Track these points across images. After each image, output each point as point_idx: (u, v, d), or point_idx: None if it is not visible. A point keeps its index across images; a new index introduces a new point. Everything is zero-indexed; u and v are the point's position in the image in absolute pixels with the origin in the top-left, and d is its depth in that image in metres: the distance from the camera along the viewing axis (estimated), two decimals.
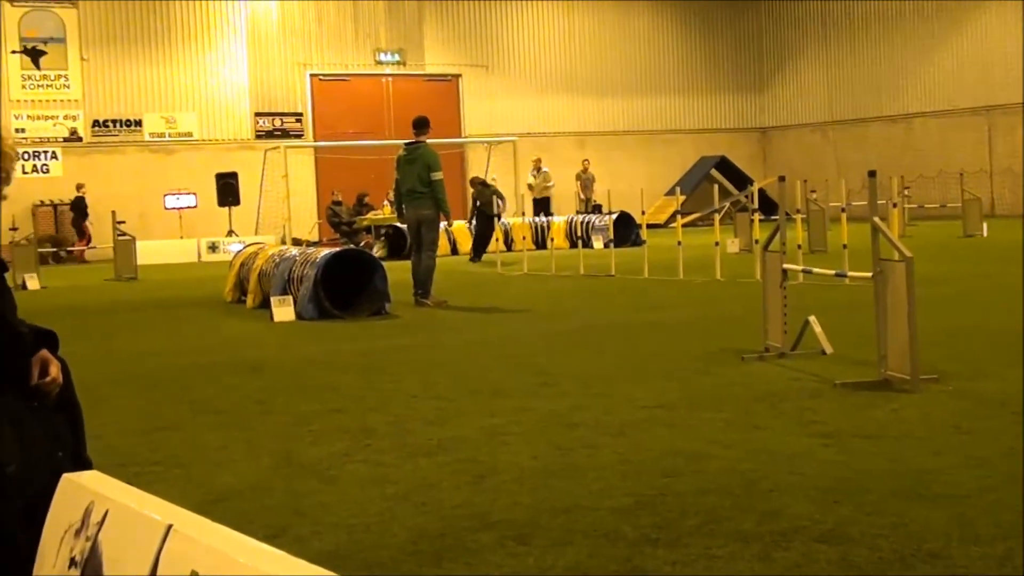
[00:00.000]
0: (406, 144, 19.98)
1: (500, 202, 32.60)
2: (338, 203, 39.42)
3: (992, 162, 46.59)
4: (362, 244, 34.39)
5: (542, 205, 39.99)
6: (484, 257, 31.37)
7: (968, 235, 32.76)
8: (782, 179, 13.70)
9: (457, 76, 49.19)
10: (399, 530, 6.49)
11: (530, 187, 41.12)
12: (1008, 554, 5.69)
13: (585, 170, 45.46)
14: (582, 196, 44.62)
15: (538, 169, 41.42)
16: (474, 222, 33.48)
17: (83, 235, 39.96)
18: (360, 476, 7.80)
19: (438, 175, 19.38)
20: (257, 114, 45.58)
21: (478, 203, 33.04)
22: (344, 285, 18.07)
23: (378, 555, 6.09)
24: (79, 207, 40.16)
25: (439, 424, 9.44)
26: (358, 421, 9.71)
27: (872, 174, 10.96)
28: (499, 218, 33.23)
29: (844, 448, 8.05)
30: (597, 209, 40.18)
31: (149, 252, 35.02)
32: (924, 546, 5.86)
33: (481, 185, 33.55)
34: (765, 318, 12.52)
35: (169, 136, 44.07)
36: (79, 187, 40.18)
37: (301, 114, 46.36)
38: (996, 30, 46.08)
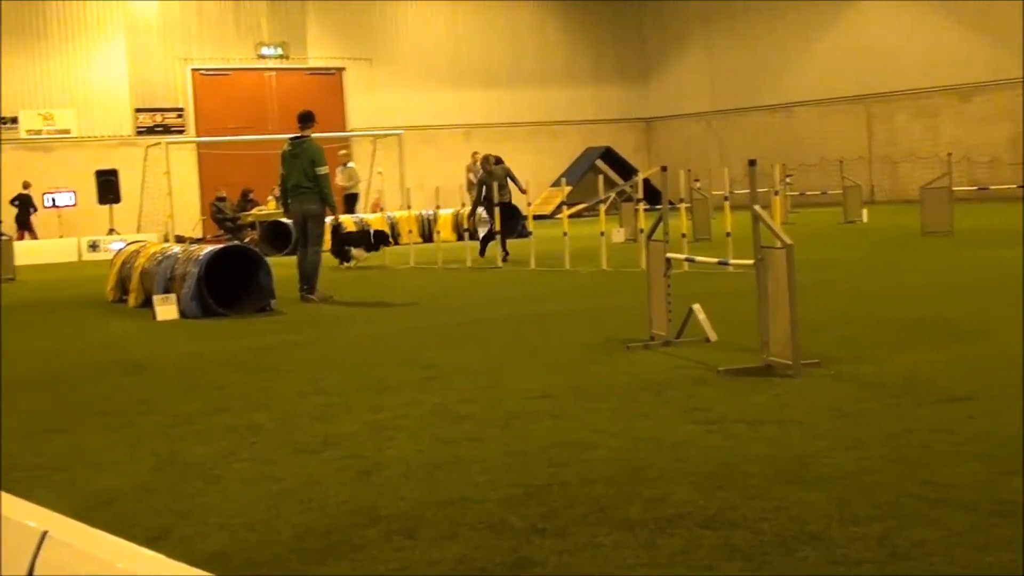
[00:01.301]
0: (291, 139, 19.85)
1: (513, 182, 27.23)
2: (222, 199, 39.15)
3: (871, 149, 47.31)
4: (247, 240, 34.17)
5: (349, 202, 39.76)
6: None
7: (849, 221, 33.21)
8: (664, 169, 13.81)
9: (341, 69, 48.97)
10: (284, 528, 6.47)
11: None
12: (886, 534, 5.79)
13: (475, 162, 45.40)
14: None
15: (344, 165, 40.55)
16: (480, 212, 28.85)
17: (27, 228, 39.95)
18: (245, 475, 7.75)
19: (323, 169, 19.30)
20: (137, 110, 45.08)
21: (485, 187, 27.08)
22: (228, 282, 17.93)
23: (263, 554, 6.06)
24: (25, 203, 40.20)
25: (325, 420, 9.40)
26: (244, 419, 9.64)
27: (752, 163, 11.07)
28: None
29: (727, 434, 8.14)
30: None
31: (27, 252, 34.55)
32: (805, 528, 5.95)
33: (497, 163, 27.38)
34: (650, 307, 12.61)
35: (46, 133, 43.41)
36: (26, 185, 40.06)
37: (183, 109, 45.92)
38: (874, 20, 46.76)
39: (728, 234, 19.65)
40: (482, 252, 26.90)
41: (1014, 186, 35.26)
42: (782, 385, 9.76)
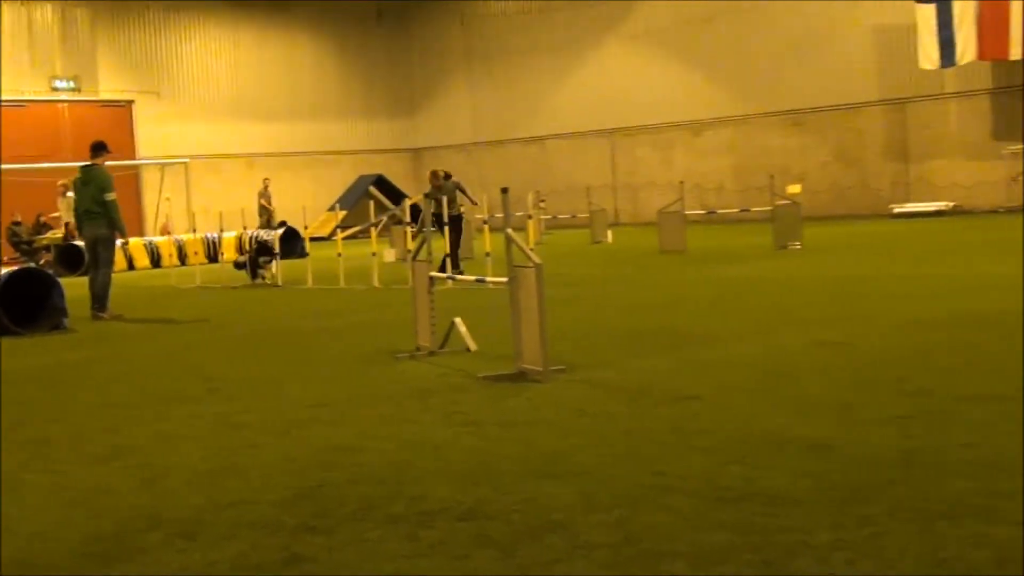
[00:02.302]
0: (81, 167, 19.41)
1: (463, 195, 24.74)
2: (18, 223, 38.03)
3: (615, 177, 48.27)
4: (42, 262, 33.22)
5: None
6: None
7: (596, 242, 33.79)
8: (427, 196, 13.86)
9: (131, 102, 47.95)
10: (74, 535, 6.29)
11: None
12: (622, 520, 5.90)
13: (266, 188, 44.92)
14: (269, 209, 43.92)
15: (63, 194, 36.99)
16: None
17: None
18: (39, 485, 7.53)
19: (111, 196, 18.91)
20: None
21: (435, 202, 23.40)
22: (24, 303, 17.42)
23: (53, 560, 5.90)
24: None
25: (115, 431, 9.20)
26: (39, 432, 9.37)
27: (504, 191, 11.17)
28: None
29: (484, 435, 8.20)
30: (282, 224, 39.61)
31: None
32: (551, 517, 6.02)
33: (445, 178, 24.39)
34: (416, 321, 12.66)
35: None
36: None
37: None
38: (616, 63, 47.73)
39: (487, 254, 19.83)
40: (443, 267, 23.00)
41: (736, 210, 36.29)
42: (533, 389, 9.87)
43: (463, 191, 24.42)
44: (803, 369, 10.25)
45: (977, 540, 5.31)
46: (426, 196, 22.60)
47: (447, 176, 24.26)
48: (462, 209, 24.50)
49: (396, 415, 9.21)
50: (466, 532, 5.89)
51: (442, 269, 22.66)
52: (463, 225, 24.66)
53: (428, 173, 24.33)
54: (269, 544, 5.91)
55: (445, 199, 23.29)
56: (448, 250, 23.02)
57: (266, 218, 42.66)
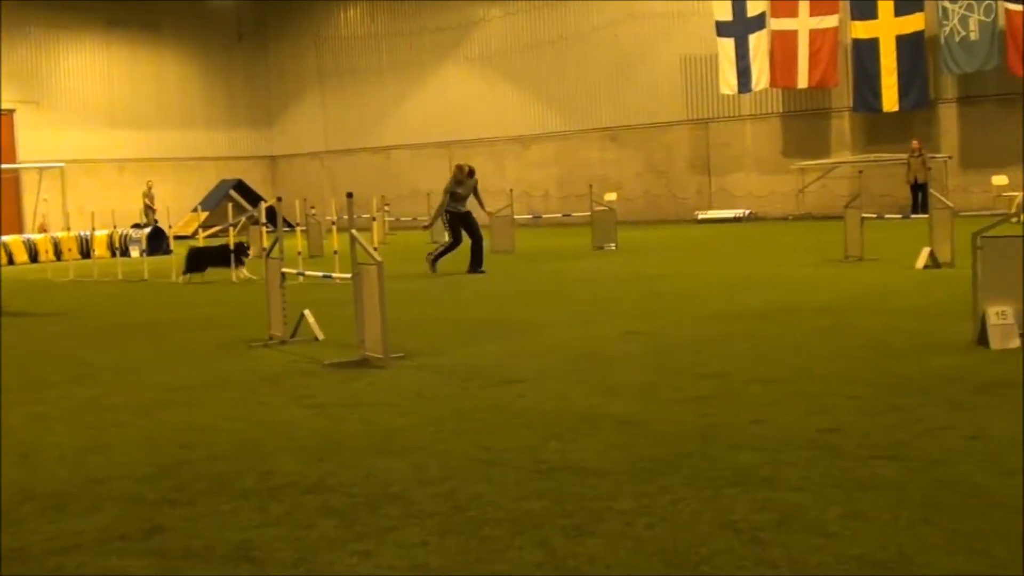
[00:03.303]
0: None
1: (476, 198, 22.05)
2: None
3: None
4: None
5: None
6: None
7: (434, 242, 33.51)
8: (279, 199, 13.70)
9: (12, 111, 46.55)
10: None
11: None
12: (452, 491, 5.90)
13: (149, 189, 43.94)
14: (153, 209, 43.02)
15: None
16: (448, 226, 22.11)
17: None
18: None
19: None
20: None
21: (452, 196, 21.53)
22: None
23: None
24: None
25: None
26: None
27: (349, 196, 11.11)
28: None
29: (329, 416, 8.14)
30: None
31: None
32: (389, 490, 6.00)
33: (469, 175, 21.71)
34: (269, 313, 12.50)
35: None
36: None
37: None
38: (454, 83, 47.83)
39: (335, 252, 19.64)
40: (433, 267, 21.42)
41: (559, 215, 36.62)
42: (375, 375, 9.82)
43: (477, 196, 21.88)
44: (615, 355, 10.38)
45: (763, 504, 5.43)
46: (446, 189, 21.37)
47: (471, 173, 21.82)
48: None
49: (249, 398, 9.09)
50: (311, 504, 5.83)
51: (433, 267, 21.30)
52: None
53: (454, 166, 22.22)
54: (133, 516, 5.78)
55: (462, 196, 21.32)
56: (473, 247, 21.08)
57: (151, 217, 41.83)
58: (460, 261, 20.90)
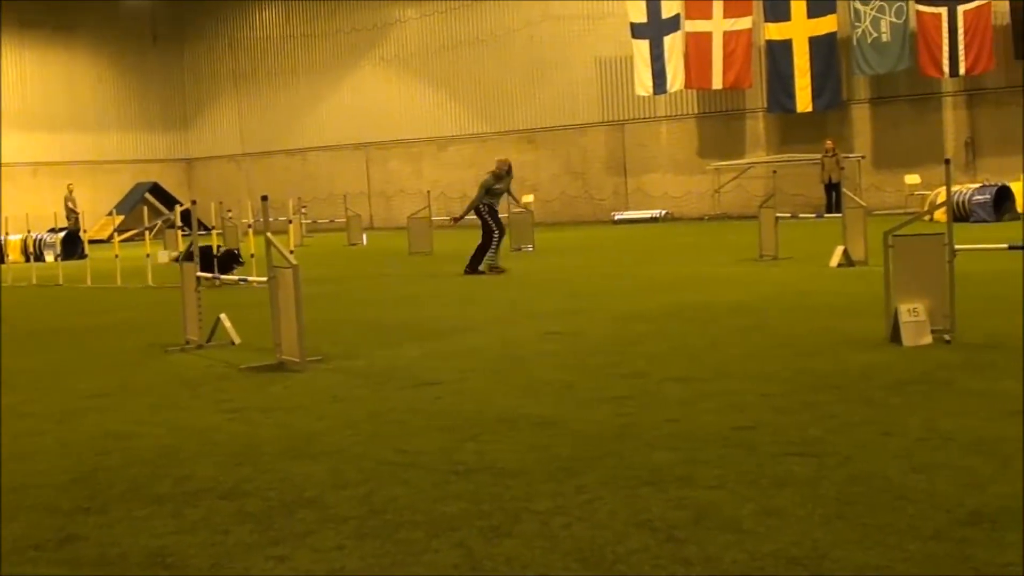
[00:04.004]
0: None
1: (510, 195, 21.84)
2: None
3: (370, 186, 48.19)
4: None
5: None
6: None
7: (352, 244, 33.63)
8: (194, 203, 13.58)
9: None
10: None
11: None
12: (368, 494, 5.87)
13: (71, 192, 43.29)
14: (76, 212, 42.39)
15: None
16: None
17: None
18: None
19: None
20: None
21: (488, 191, 20.76)
22: None
23: None
24: None
25: None
26: None
27: (264, 199, 11.02)
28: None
29: (246, 420, 8.07)
30: (63, 229, 37.97)
31: None
32: (304, 494, 5.95)
33: (507, 172, 21.13)
34: (185, 317, 12.38)
35: None
36: None
37: None
38: (371, 84, 47.71)
39: (252, 255, 19.48)
40: (474, 269, 20.50)
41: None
42: (292, 378, 9.76)
43: (511, 192, 21.70)
44: (533, 356, 10.40)
45: (678, 502, 5.47)
46: (484, 184, 20.54)
47: (509, 170, 21.22)
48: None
49: (166, 403, 8.98)
50: (227, 509, 5.78)
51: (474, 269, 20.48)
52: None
53: (496, 161, 21.44)
54: (47, 524, 5.69)
55: (497, 192, 20.75)
56: (479, 247, 20.49)
57: (74, 220, 41.18)
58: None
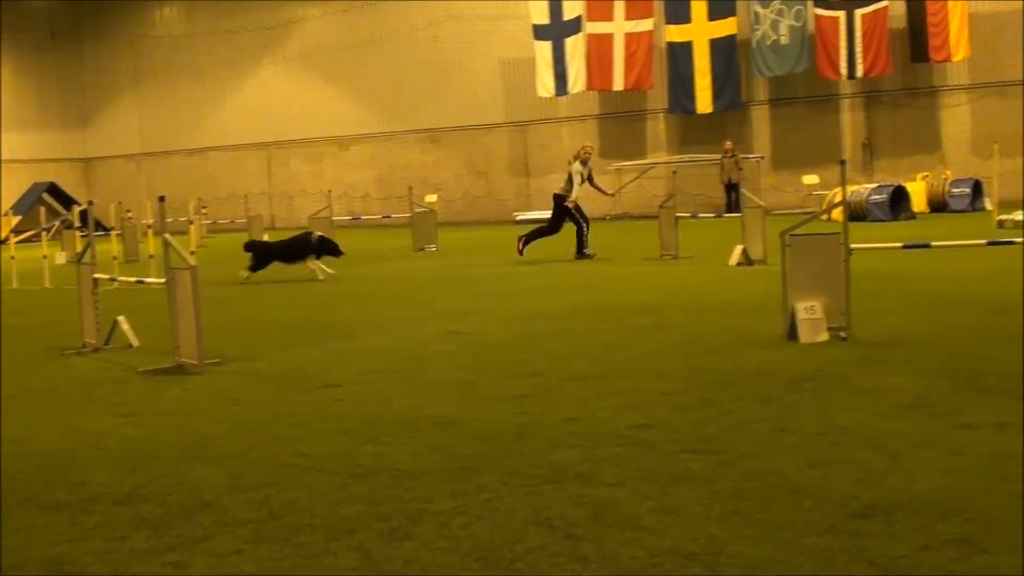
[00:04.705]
0: None
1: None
2: None
3: (271, 186, 47.81)
4: None
5: None
6: None
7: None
8: (91, 203, 13.36)
9: None
10: None
11: None
12: (267, 498, 5.80)
13: None
14: None
15: None
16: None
17: None
18: None
19: None
20: None
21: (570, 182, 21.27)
22: None
23: None
24: None
25: None
26: None
27: (161, 199, 10.88)
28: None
29: (143, 424, 7.94)
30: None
31: None
32: (202, 498, 5.87)
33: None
34: (82, 320, 12.17)
35: None
36: None
37: None
38: (273, 83, 47.36)
39: (151, 256, 19.20)
40: (581, 253, 20.99)
41: (379, 216, 36.52)
42: (190, 381, 9.63)
43: (592, 180, 21.73)
44: (434, 356, 10.38)
45: (577, 500, 5.49)
46: (587, 175, 20.98)
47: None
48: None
49: (62, 407, 8.82)
50: (124, 515, 5.69)
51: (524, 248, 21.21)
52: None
53: (582, 148, 21.75)
54: None
55: (585, 175, 21.13)
56: (578, 233, 20.98)
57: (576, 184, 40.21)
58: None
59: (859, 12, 35.04)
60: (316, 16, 46.09)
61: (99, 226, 28.81)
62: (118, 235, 27.15)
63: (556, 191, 21.60)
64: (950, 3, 34.16)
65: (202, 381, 9.61)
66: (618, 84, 38.64)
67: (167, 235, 10.41)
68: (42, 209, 26.26)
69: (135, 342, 11.89)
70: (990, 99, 34.86)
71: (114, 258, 20.24)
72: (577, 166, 21.30)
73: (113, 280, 13.58)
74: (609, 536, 4.95)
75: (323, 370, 9.86)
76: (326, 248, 19.92)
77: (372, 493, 5.79)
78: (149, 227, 21.33)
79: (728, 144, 35.68)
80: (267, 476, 6.26)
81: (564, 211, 21.18)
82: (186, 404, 8.63)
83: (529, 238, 21.61)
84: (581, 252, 21.03)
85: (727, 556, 4.65)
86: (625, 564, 4.61)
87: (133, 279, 13.38)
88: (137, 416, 8.23)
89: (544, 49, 39.20)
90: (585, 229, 21.17)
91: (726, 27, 37.27)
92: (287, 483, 6.09)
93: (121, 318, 12.03)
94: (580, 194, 21.29)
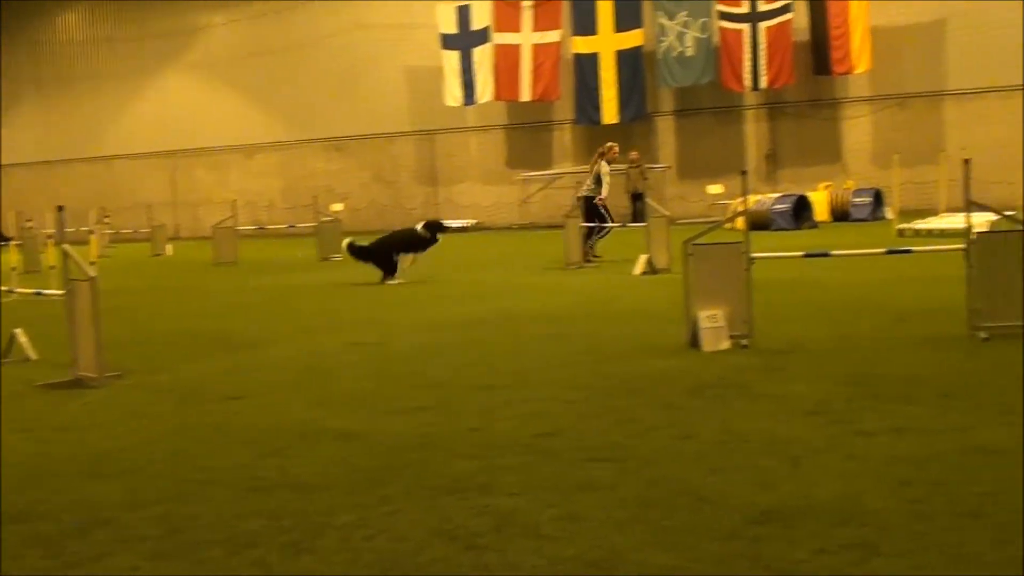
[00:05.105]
0: None
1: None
2: None
3: (176, 195, 47.25)
4: None
5: None
6: None
7: (156, 255, 32.91)
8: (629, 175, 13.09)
9: None
10: None
11: None
12: (166, 513, 5.70)
13: None
14: None
15: None
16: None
17: None
18: None
19: None
20: None
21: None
22: None
23: None
24: None
25: None
26: None
27: (60, 209, 10.70)
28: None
29: (41, 439, 7.77)
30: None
31: None
32: (99, 515, 5.75)
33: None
34: None
35: None
36: None
37: None
38: (177, 90, 46.88)
39: (52, 267, 18.82)
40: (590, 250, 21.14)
41: (284, 225, 36.23)
42: (89, 395, 9.43)
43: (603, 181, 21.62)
44: (338, 367, 10.31)
45: (480, 510, 5.49)
46: (606, 174, 21.19)
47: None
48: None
49: None
50: (18, 533, 5.55)
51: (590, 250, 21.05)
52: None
53: (609, 147, 22.01)
54: None
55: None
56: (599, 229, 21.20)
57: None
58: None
59: (763, 25, 35.55)
60: (221, 23, 45.70)
61: (6, 238, 28.29)
62: (18, 245, 26.60)
63: (580, 194, 21.87)
64: (852, 16, 34.80)
65: (101, 395, 9.43)
66: (525, 95, 38.79)
67: (66, 245, 10.22)
68: None
69: (33, 355, 11.65)
70: (891, 111, 35.55)
71: (13, 269, 19.79)
72: (604, 165, 21.56)
73: (11, 292, 13.32)
74: (512, 545, 4.95)
75: (225, 382, 9.74)
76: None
77: (273, 507, 5.73)
78: (50, 237, 20.94)
79: (634, 154, 35.93)
80: (166, 491, 6.16)
81: (594, 209, 21.35)
82: (84, 419, 8.46)
83: (590, 245, 21.18)
84: (589, 249, 21.03)
85: (630, 564, 4.68)
86: (527, 573, 4.62)
87: (32, 290, 13.14)
88: (34, 431, 8.05)
89: (452, 58, 39.24)
90: (606, 231, 21.42)
91: (632, 39, 37.60)
92: (187, 498, 6.01)
93: (19, 331, 11.78)
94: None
